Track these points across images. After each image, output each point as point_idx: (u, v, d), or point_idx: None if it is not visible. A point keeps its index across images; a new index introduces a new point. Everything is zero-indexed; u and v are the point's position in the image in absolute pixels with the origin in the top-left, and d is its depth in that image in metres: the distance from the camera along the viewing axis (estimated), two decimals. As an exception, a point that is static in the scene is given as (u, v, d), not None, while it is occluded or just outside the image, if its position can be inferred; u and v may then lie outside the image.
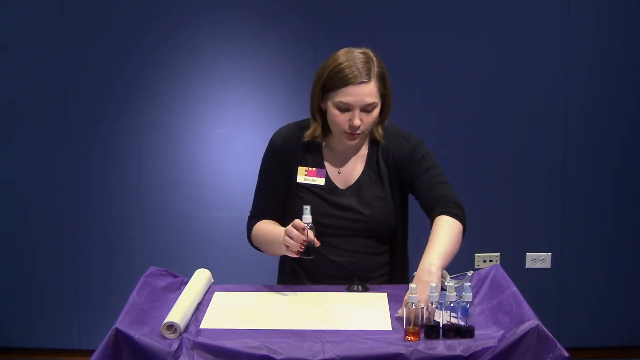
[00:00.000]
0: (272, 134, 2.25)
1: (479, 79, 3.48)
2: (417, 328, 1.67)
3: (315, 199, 2.12)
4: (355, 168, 2.15)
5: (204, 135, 3.51)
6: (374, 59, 2.02)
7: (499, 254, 3.57)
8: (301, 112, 3.41)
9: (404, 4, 3.43)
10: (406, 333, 1.68)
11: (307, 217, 1.96)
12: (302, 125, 2.19)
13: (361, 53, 2.03)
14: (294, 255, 1.96)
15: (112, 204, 3.55)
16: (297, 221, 1.94)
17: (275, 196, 2.18)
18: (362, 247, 2.14)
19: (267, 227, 2.16)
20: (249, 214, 2.26)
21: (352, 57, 2.01)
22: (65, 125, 3.49)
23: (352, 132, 2.03)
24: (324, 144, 2.17)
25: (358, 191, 2.13)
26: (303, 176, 2.14)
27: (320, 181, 2.13)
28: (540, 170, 3.55)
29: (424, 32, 3.44)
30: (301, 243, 1.93)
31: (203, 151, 3.52)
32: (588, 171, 3.55)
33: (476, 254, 3.55)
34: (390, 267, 2.21)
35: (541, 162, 3.54)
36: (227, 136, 3.51)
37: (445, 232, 1.93)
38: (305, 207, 1.97)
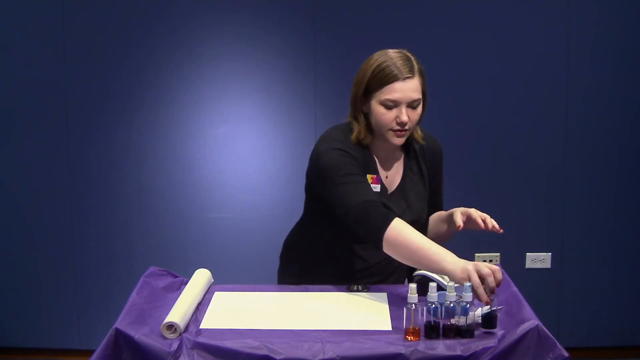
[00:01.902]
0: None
1: (479, 79, 3.49)
2: (417, 328, 1.67)
3: None
4: (398, 171, 2.16)
5: (204, 135, 3.51)
6: (412, 57, 2.05)
7: (499, 254, 3.57)
8: (301, 112, 3.44)
9: (403, 4, 3.43)
10: (406, 333, 1.68)
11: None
12: (344, 133, 2.11)
13: (397, 52, 2.04)
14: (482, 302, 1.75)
15: (112, 204, 3.55)
16: (494, 267, 1.76)
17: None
18: None
19: (420, 237, 1.91)
20: (367, 201, 1.96)
21: (388, 56, 2.02)
22: (65, 125, 3.49)
23: (401, 128, 2.03)
24: (371, 149, 2.13)
25: (404, 193, 2.14)
26: (370, 184, 2.09)
27: (378, 187, 2.10)
28: (540, 170, 3.55)
29: (424, 32, 3.44)
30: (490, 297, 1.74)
31: (203, 151, 3.52)
32: (588, 171, 3.55)
33: (476, 254, 3.55)
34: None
35: (541, 162, 3.54)
36: (227, 136, 3.51)
37: None
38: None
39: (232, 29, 3.44)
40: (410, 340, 1.66)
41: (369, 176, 2.08)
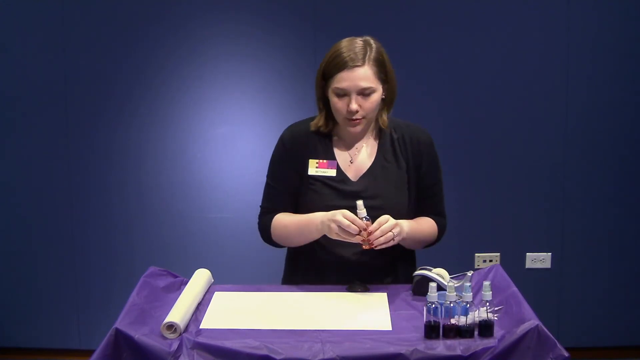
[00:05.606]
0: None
1: (479, 79, 3.48)
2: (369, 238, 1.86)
3: (326, 190, 2.10)
4: (367, 157, 2.15)
5: (204, 135, 3.51)
6: (373, 45, 2.04)
7: (499, 254, 3.57)
8: (301, 111, 3.41)
9: (404, 4, 3.43)
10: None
11: (362, 212, 1.96)
12: (311, 120, 2.19)
13: (362, 40, 2.05)
14: (350, 240, 1.95)
15: (112, 203, 3.55)
16: (348, 214, 1.94)
17: (288, 192, 2.15)
18: None
19: (293, 217, 2.12)
20: (259, 211, 2.21)
21: (350, 43, 2.03)
22: (65, 125, 3.49)
23: (350, 117, 2.03)
24: (334, 135, 2.16)
25: (371, 180, 2.12)
26: (314, 168, 2.12)
27: (332, 172, 2.11)
28: (540, 170, 3.55)
29: (424, 32, 3.44)
30: (360, 233, 1.93)
31: (203, 151, 3.52)
32: (588, 171, 3.55)
33: (476, 254, 3.55)
34: (403, 261, 2.20)
35: (541, 162, 3.54)
36: (227, 136, 3.51)
37: (429, 225, 2.18)
38: (357, 201, 1.97)
39: (232, 29, 3.44)
40: (366, 248, 1.89)
41: (314, 161, 2.13)
